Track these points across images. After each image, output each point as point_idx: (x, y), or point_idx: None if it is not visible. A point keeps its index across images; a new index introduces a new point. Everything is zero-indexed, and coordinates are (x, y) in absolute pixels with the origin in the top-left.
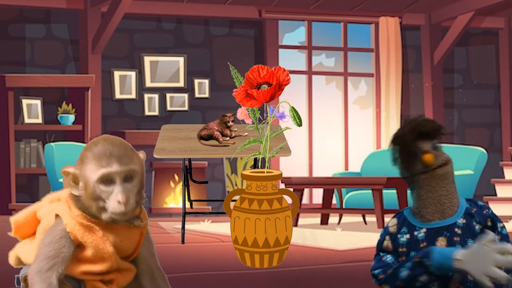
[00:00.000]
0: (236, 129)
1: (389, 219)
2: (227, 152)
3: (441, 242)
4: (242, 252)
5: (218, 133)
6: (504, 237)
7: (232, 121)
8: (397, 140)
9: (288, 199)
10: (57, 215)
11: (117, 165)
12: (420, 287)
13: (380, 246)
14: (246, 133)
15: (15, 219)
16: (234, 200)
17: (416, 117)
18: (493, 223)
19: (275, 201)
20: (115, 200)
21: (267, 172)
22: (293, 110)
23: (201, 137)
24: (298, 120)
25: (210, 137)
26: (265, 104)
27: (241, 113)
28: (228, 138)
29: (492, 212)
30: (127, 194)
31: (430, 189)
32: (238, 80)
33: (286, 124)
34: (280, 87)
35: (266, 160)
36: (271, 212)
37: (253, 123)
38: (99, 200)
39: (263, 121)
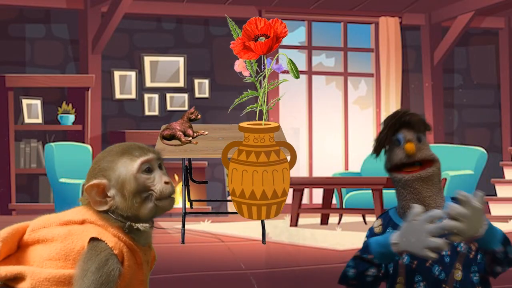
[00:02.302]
0: (198, 132)
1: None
2: None
3: None
4: (239, 204)
5: (181, 133)
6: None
7: (197, 116)
8: (382, 129)
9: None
10: (92, 239)
11: (150, 153)
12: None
13: (364, 248)
14: (207, 132)
15: (3, 236)
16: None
17: (398, 110)
18: None
19: (272, 153)
20: (161, 183)
21: (265, 124)
22: (291, 62)
23: (163, 137)
24: (295, 72)
25: (172, 137)
26: (262, 56)
27: (239, 65)
28: (190, 138)
29: None
30: (168, 176)
31: (413, 190)
32: (236, 32)
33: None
34: (277, 39)
35: (264, 113)
36: (268, 164)
37: (250, 75)
38: (142, 193)
39: (260, 74)
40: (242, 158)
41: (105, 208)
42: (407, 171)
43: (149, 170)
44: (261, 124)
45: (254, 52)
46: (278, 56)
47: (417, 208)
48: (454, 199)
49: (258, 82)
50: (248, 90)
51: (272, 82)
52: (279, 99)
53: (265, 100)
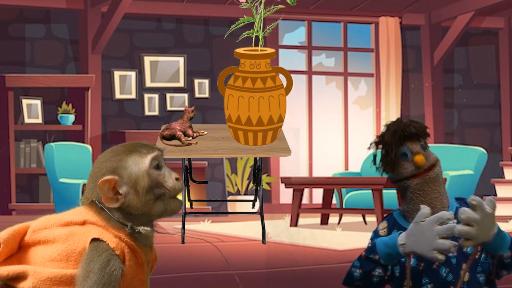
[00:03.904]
0: (198, 132)
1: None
2: (228, 152)
3: None
4: (235, 130)
5: (181, 133)
6: None
7: (193, 114)
8: (383, 144)
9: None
10: (93, 239)
11: (156, 150)
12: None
13: (370, 248)
14: (206, 132)
15: (3, 237)
16: None
17: (397, 119)
18: None
19: (268, 79)
20: (172, 179)
21: (261, 50)
22: None
23: (163, 137)
24: None
25: (172, 137)
26: None
27: None
28: (190, 138)
29: None
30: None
31: (422, 193)
32: None
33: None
34: None
35: (260, 39)
36: (264, 90)
37: (246, 1)
38: (154, 189)
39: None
40: (238, 84)
41: (116, 205)
42: (415, 177)
43: (158, 167)
44: (257, 50)
45: None
46: None
47: (425, 209)
48: (459, 200)
49: (254, 8)
50: (244, 16)
51: (268, 8)
52: (275, 25)
53: (261, 26)
